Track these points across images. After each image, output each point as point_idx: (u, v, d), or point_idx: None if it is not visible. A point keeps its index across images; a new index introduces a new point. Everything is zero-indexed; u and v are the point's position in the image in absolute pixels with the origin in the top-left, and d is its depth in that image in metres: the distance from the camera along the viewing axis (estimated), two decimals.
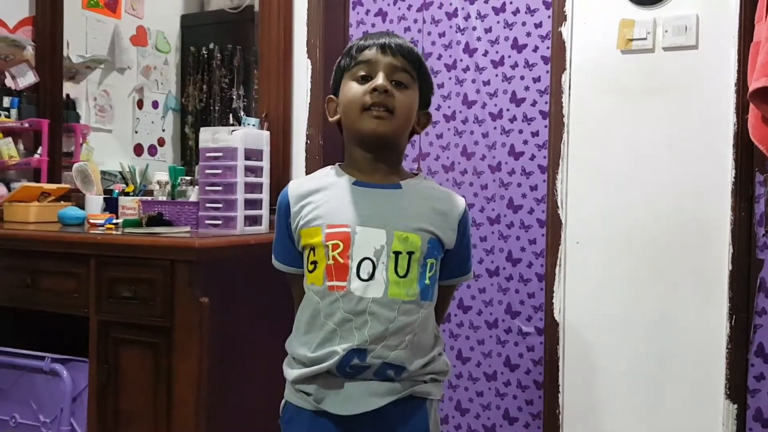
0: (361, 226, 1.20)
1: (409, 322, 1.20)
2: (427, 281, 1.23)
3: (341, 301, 1.18)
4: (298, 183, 1.32)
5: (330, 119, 1.32)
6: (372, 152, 1.26)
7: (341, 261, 1.19)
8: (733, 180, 1.84)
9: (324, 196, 1.26)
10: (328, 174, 1.30)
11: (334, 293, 1.19)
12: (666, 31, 1.90)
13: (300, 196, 1.28)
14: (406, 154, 2.42)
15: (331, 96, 1.32)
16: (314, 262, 1.23)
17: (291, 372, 1.26)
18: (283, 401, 1.30)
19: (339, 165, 1.31)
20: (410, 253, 1.20)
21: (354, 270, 1.18)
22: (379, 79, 1.21)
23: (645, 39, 1.92)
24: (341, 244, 1.19)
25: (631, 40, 1.94)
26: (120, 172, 2.59)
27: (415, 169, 2.40)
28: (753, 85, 1.57)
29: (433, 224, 1.24)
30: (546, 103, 2.17)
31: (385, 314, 1.18)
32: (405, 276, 1.20)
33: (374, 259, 1.19)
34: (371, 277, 1.18)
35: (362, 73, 1.23)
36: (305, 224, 1.25)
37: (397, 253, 1.19)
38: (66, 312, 1.99)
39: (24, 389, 2.10)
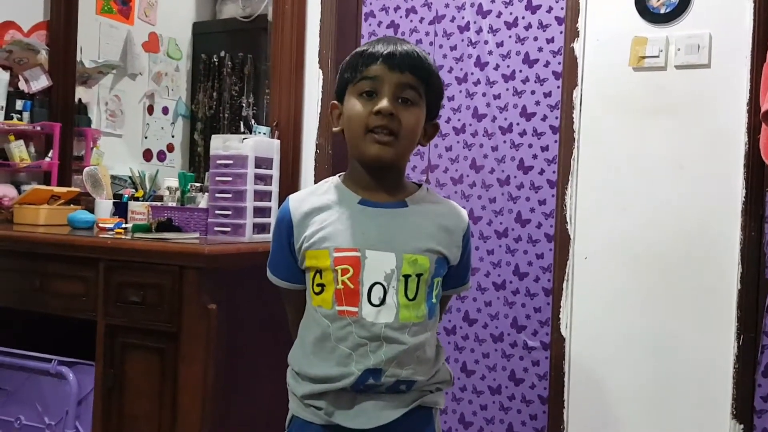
0: (370, 250, 1.18)
1: (420, 342, 1.20)
2: (434, 300, 1.23)
3: (353, 327, 1.17)
4: (300, 199, 1.27)
5: (333, 129, 1.27)
6: (374, 171, 1.23)
7: (351, 286, 1.17)
8: (744, 199, 1.84)
9: (329, 216, 1.22)
10: (330, 189, 1.26)
11: (345, 318, 1.17)
12: (678, 50, 1.91)
13: (303, 214, 1.23)
14: (414, 166, 2.43)
15: (335, 102, 1.27)
16: (321, 285, 1.20)
17: (300, 387, 1.24)
18: (289, 415, 1.28)
19: (340, 178, 1.28)
20: (419, 275, 1.19)
21: (365, 295, 1.17)
22: (384, 102, 1.16)
23: (657, 57, 1.93)
24: (351, 269, 1.17)
25: (644, 57, 1.94)
26: (130, 177, 2.60)
27: (424, 180, 2.40)
28: (765, 105, 1.58)
29: (440, 243, 1.22)
30: (556, 118, 2.18)
31: (398, 338, 1.17)
32: (414, 299, 1.18)
33: (385, 284, 1.17)
34: (382, 302, 1.17)
35: (367, 89, 1.18)
36: (310, 246, 1.21)
37: (406, 276, 1.18)
38: (74, 315, 1.99)
39: (30, 391, 2.10)
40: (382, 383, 1.17)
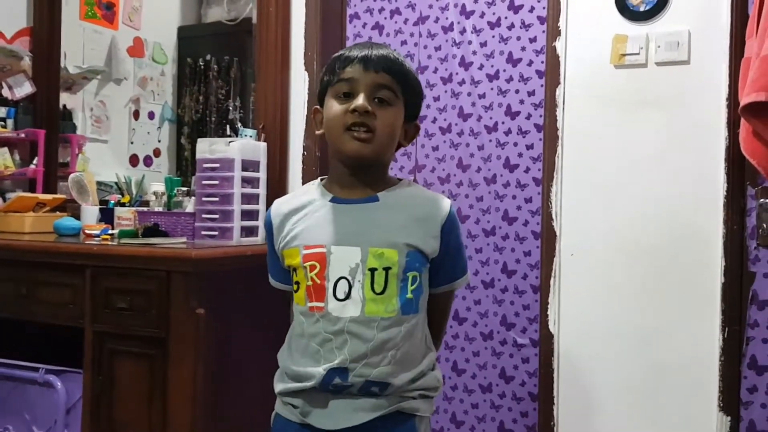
0: (336, 246, 1.20)
1: (390, 338, 1.19)
2: (408, 295, 1.21)
3: (321, 322, 1.19)
4: (281, 202, 1.33)
5: (316, 132, 1.31)
6: (354, 169, 1.25)
7: (318, 282, 1.20)
8: (725, 193, 1.85)
9: (302, 215, 1.26)
10: (309, 191, 1.30)
11: (314, 314, 1.20)
12: (659, 47, 1.92)
13: (281, 216, 1.28)
14: (402, 166, 2.44)
15: (317, 107, 1.30)
16: (297, 283, 1.24)
17: (278, 385, 1.27)
18: (273, 413, 1.31)
19: (322, 180, 1.31)
20: (387, 269, 1.19)
21: (330, 290, 1.19)
22: (359, 100, 1.19)
23: (638, 54, 1.94)
24: (318, 265, 1.20)
25: (624, 55, 1.96)
26: (116, 183, 2.60)
27: (411, 180, 2.40)
28: (744, 100, 1.59)
29: (411, 235, 1.22)
30: (540, 116, 2.19)
31: (363, 333, 1.17)
32: (382, 293, 1.19)
33: (350, 278, 1.19)
34: (347, 296, 1.18)
35: (344, 90, 1.22)
36: (286, 245, 1.26)
37: (372, 270, 1.19)
38: (61, 323, 1.98)
39: (18, 400, 2.09)
40: (351, 383, 1.18)
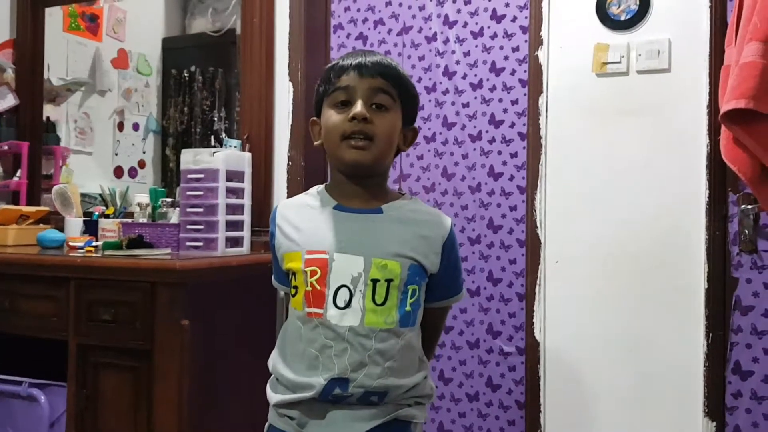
0: (338, 253, 1.19)
1: (388, 349, 1.18)
2: (408, 308, 1.21)
3: (320, 328, 1.18)
4: (284, 205, 1.32)
5: (315, 143, 1.30)
6: (354, 178, 1.25)
7: (318, 288, 1.18)
8: (707, 200, 1.87)
9: (305, 220, 1.25)
10: (313, 195, 1.30)
11: (313, 320, 1.18)
12: (639, 55, 1.95)
13: (283, 218, 1.28)
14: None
15: (315, 118, 1.30)
16: (296, 287, 1.22)
17: (274, 396, 1.25)
18: (266, 425, 1.29)
19: (325, 186, 1.31)
20: (389, 281, 1.18)
21: (330, 298, 1.18)
22: (357, 107, 1.19)
23: (619, 62, 1.96)
24: (319, 271, 1.19)
25: (606, 63, 1.98)
26: (100, 195, 2.58)
27: (396, 189, 2.41)
28: (724, 107, 1.61)
29: (414, 249, 1.22)
30: (524, 125, 2.20)
31: (362, 342, 1.17)
32: (383, 304, 1.18)
33: (351, 287, 1.18)
34: (348, 305, 1.17)
35: (341, 99, 1.21)
36: (287, 248, 1.25)
37: (375, 281, 1.18)
38: (45, 336, 1.97)
39: (1, 414, 2.06)
40: (351, 394, 1.17)
